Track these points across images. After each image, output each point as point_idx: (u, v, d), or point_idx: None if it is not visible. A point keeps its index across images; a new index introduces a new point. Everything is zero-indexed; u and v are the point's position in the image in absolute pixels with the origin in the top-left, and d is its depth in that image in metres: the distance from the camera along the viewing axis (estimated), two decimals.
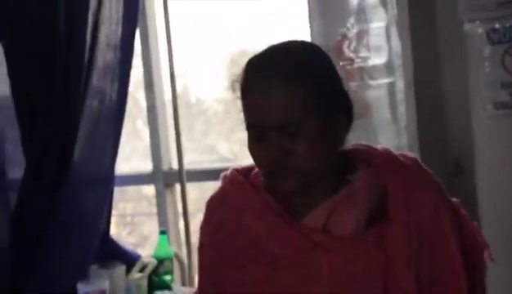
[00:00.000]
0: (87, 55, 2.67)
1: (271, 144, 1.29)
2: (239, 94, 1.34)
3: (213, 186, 1.66)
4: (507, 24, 2.19)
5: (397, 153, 1.49)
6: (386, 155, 1.46)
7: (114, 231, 3.15)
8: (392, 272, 1.37)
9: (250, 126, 1.32)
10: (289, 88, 1.28)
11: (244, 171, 1.50)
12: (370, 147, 1.48)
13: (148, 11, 3.12)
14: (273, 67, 1.31)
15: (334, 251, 1.38)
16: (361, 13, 2.46)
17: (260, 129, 1.30)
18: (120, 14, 2.75)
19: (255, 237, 1.43)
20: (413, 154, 1.54)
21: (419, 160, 1.50)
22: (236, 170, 1.52)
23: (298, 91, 1.28)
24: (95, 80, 2.70)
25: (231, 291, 1.46)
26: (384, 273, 1.37)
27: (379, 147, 1.51)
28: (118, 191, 3.11)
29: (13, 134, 2.77)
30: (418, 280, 1.37)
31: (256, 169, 1.45)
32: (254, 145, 1.32)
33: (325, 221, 1.39)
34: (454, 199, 1.47)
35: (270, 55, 1.34)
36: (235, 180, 1.50)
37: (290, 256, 1.40)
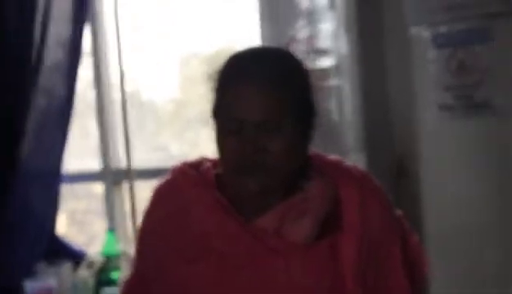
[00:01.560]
0: (34, 53, 2.68)
1: (247, 139, 1.27)
2: (214, 85, 1.34)
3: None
4: (453, 29, 2.13)
5: (348, 164, 1.50)
6: (339, 166, 1.46)
7: (63, 230, 3.16)
8: (341, 282, 1.37)
9: (228, 120, 1.30)
10: (277, 89, 1.29)
11: (194, 166, 1.46)
12: (322, 156, 1.47)
13: (98, 9, 3.05)
14: (263, 65, 1.33)
15: (290, 258, 1.37)
16: (310, 16, 2.42)
17: (238, 123, 1.28)
18: (69, 12, 2.75)
19: (205, 232, 1.40)
20: (363, 168, 1.58)
21: (369, 173, 1.53)
22: (186, 164, 1.48)
23: (285, 93, 1.29)
24: (43, 78, 2.73)
25: (178, 282, 1.43)
26: (333, 283, 1.37)
27: (331, 156, 1.50)
28: (67, 189, 3.08)
29: None
30: (364, 291, 1.38)
31: (205, 165, 1.44)
32: (228, 139, 1.31)
33: (278, 225, 1.37)
34: (399, 212, 1.49)
35: (258, 55, 1.38)
36: (186, 173, 1.46)
37: (240, 256, 1.38)
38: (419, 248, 1.52)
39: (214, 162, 1.44)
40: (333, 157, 1.51)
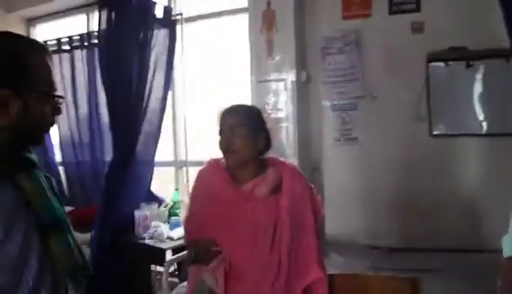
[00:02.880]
0: (145, 104, 3.32)
1: (225, 138, 1.64)
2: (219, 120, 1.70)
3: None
4: (340, 102, 2.89)
5: (287, 162, 1.81)
6: (283, 162, 1.77)
7: (155, 188, 3.62)
8: (280, 217, 1.64)
9: (219, 131, 1.68)
10: (239, 115, 1.66)
11: (217, 160, 1.76)
12: (276, 158, 1.79)
13: (175, 78, 3.62)
14: (234, 107, 1.72)
15: (255, 204, 1.64)
16: (275, 92, 3.05)
17: (222, 130, 1.66)
18: (162, 81, 3.38)
19: (218, 192, 1.69)
20: (294, 163, 1.92)
21: (297, 166, 1.88)
22: (213, 159, 1.79)
23: (242, 116, 1.65)
24: (148, 114, 3.36)
25: (207, 218, 1.70)
26: (276, 218, 1.64)
27: (279, 158, 1.82)
28: (159, 169, 3.61)
29: (108, 137, 3.46)
30: (291, 223, 1.64)
31: (222, 159, 1.72)
32: (219, 140, 1.67)
33: (252, 189, 1.66)
34: (311, 185, 1.78)
35: (235, 105, 1.74)
36: (211, 164, 1.77)
37: (234, 204, 1.66)
38: (319, 203, 1.77)
39: None
40: (281, 158, 1.81)
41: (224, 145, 1.66)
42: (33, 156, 1.15)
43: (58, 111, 1.16)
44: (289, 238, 1.62)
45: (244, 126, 1.65)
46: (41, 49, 1.11)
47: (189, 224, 1.83)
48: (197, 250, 1.73)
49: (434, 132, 2.73)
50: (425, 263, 2.35)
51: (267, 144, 1.73)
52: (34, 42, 1.14)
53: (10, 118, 1.06)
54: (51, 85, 1.12)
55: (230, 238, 1.65)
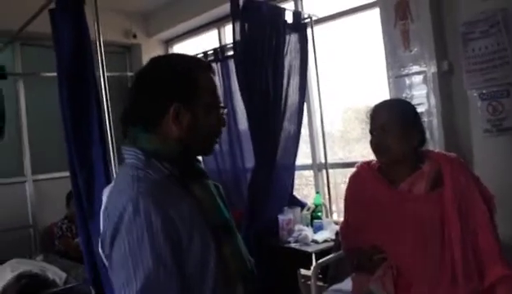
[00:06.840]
0: (282, 109, 3.25)
1: (376, 137, 1.59)
2: (367, 119, 1.63)
3: (338, 171, 2.10)
4: (489, 90, 2.56)
5: (445, 152, 1.72)
6: (441, 154, 1.68)
7: (296, 192, 3.56)
8: (446, 213, 1.52)
9: (370, 130, 1.62)
10: (389, 113, 1.57)
11: (367, 162, 1.73)
12: (431, 150, 1.72)
13: (308, 89, 3.58)
14: (382, 107, 1.64)
15: (415, 203, 1.55)
16: (411, 86, 2.84)
17: (373, 129, 1.60)
18: (297, 86, 3.31)
19: (373, 195, 1.63)
20: (454, 154, 1.71)
21: (458, 156, 1.67)
22: (363, 162, 1.75)
23: (394, 114, 1.57)
24: (286, 119, 3.28)
25: (365, 223, 1.64)
26: (441, 214, 1.52)
27: (436, 150, 1.80)
28: (298, 173, 3.58)
29: (249, 147, 3.39)
30: (460, 217, 1.51)
31: (373, 161, 1.67)
32: (370, 140, 1.62)
33: (409, 187, 1.58)
34: (475, 174, 1.66)
35: (384, 101, 1.68)
36: (361, 167, 1.74)
37: (392, 205, 1.58)
38: (489, 192, 1.62)
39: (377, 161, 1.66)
40: (437, 150, 1.83)
41: (375, 145, 1.58)
42: (202, 166, 1.21)
43: (223, 121, 1.20)
44: (460, 235, 1.48)
45: (396, 124, 1.54)
46: (207, 67, 1.19)
47: (346, 231, 1.76)
48: (360, 258, 1.63)
49: None
50: None
51: (422, 140, 1.61)
52: (202, 61, 1.20)
53: (181, 129, 1.12)
54: (215, 97, 1.17)
55: (394, 243, 1.55)
